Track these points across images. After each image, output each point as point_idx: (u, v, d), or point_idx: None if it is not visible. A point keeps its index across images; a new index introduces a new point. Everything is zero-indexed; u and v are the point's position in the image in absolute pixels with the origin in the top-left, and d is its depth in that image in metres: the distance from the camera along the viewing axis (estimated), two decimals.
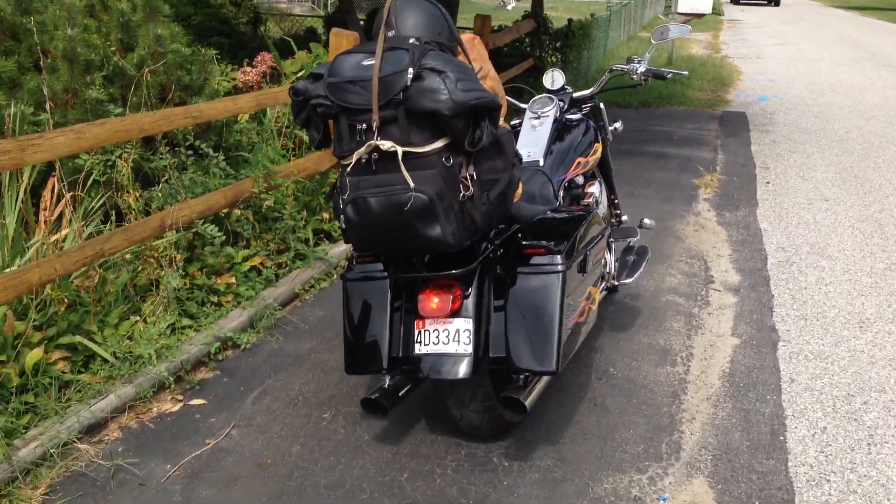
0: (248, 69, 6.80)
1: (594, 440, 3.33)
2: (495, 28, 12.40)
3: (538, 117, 4.01)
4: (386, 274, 3.04)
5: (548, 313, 2.91)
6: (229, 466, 3.14)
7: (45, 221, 3.73)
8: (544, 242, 3.02)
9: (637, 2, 23.46)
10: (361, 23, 12.28)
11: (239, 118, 5.84)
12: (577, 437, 3.34)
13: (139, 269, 4.16)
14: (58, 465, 3.04)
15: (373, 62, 2.59)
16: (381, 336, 3.04)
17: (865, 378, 3.84)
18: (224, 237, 4.38)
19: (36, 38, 4.56)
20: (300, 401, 3.61)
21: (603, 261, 3.92)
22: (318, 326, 4.32)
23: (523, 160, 3.79)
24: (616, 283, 4.14)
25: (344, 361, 3.13)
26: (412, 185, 2.56)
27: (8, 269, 3.49)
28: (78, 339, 3.53)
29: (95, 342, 3.60)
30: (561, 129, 4.00)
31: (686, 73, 4.61)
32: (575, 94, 4.23)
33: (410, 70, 2.52)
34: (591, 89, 4.27)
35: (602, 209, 4.07)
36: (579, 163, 3.92)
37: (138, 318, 3.87)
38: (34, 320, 3.49)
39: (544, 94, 4.14)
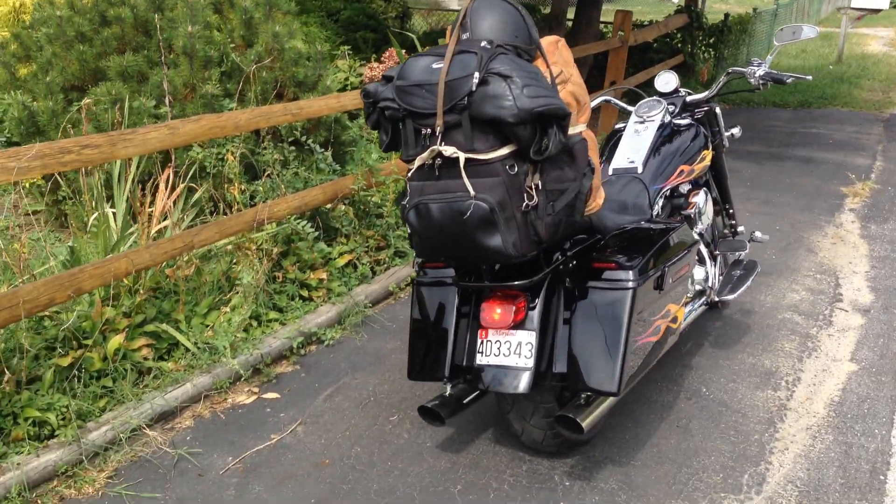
0: (376, 65, 6.84)
1: (669, 465, 3.11)
2: (644, 23, 12.04)
3: (643, 122, 3.79)
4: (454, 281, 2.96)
5: (613, 331, 2.74)
6: (287, 463, 3.14)
7: (142, 212, 3.86)
8: (616, 257, 2.84)
9: None
10: None
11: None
12: (650, 460, 3.13)
13: (235, 261, 4.25)
14: (125, 450, 3.14)
15: (442, 65, 2.51)
16: (444, 343, 2.97)
17: None
18: (318, 233, 4.41)
19: (158, 34, 4.76)
20: (371, 401, 3.58)
21: (691, 276, 3.67)
22: (405, 326, 4.25)
23: (623, 166, 3.60)
24: (717, 299, 3.86)
25: (407, 367, 3.08)
26: (472, 192, 2.46)
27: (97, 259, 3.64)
28: (163, 327, 3.64)
29: (181, 331, 3.70)
30: (667, 135, 3.77)
31: (810, 77, 4.23)
32: (689, 98, 3.97)
33: (476, 74, 2.42)
34: (706, 92, 4.00)
35: (706, 220, 3.80)
36: (682, 171, 3.67)
37: (227, 309, 3.95)
38: (125, 307, 3.62)
39: (653, 98, 3.92)
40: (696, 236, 3.62)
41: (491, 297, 2.84)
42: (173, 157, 4.64)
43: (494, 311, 2.81)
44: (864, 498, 2.91)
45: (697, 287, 3.77)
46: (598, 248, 2.98)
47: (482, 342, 2.89)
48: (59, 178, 4.59)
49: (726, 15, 11.93)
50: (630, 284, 2.74)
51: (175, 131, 3.49)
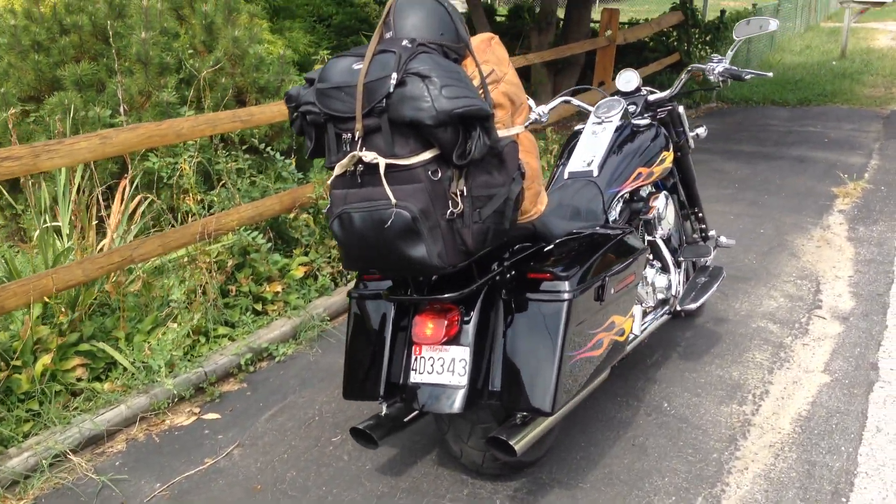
0: None
1: (619, 486, 2.94)
2: (640, 20, 11.87)
3: (601, 122, 3.63)
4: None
5: (547, 347, 2.58)
6: (217, 490, 2.99)
7: (77, 225, 3.73)
8: (553, 266, 2.68)
9: None
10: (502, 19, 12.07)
11: None
12: (600, 483, 2.96)
13: (189, 274, 4.12)
14: (46, 477, 3.00)
15: (361, 66, 2.36)
16: (380, 360, 2.81)
17: None
18: (270, 244, 4.27)
19: (112, 41, 4.64)
20: (315, 421, 3.42)
21: (652, 284, 3.50)
22: None
23: (578, 169, 3.44)
24: (679, 308, 3.69)
25: (342, 385, 2.92)
26: (393, 200, 2.31)
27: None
28: (100, 345, 3.51)
29: (120, 350, 3.56)
30: (626, 136, 3.60)
31: (770, 74, 4.04)
32: (650, 97, 3.80)
33: (394, 75, 2.28)
34: (667, 91, 3.83)
35: (666, 225, 3.63)
36: (640, 173, 3.50)
37: (175, 325, 3.82)
38: (61, 324, 3.49)
39: (612, 97, 3.75)
40: (646, 243, 3.46)
41: (423, 311, 2.69)
42: (129, 167, 4.52)
43: (426, 326, 2.65)
44: None
45: (660, 295, 3.61)
46: (538, 256, 2.82)
47: (416, 359, 2.74)
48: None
49: (722, 11, 11.74)
50: (565, 296, 2.58)
51: (107, 141, 3.36)
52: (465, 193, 2.41)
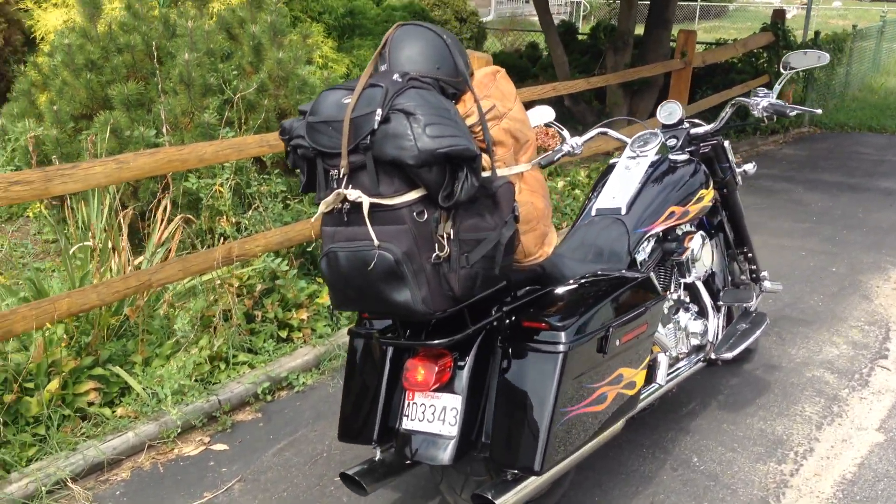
0: None
1: None
2: (719, 41, 11.44)
3: (635, 157, 3.41)
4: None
5: (538, 401, 2.38)
6: None
7: (95, 246, 3.72)
8: (550, 315, 2.48)
9: None
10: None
11: None
12: None
13: (216, 298, 4.07)
14: None
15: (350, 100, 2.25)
16: (376, 402, 2.67)
17: None
18: (295, 270, 4.18)
19: (156, 62, 4.66)
20: (322, 458, 3.30)
21: (682, 329, 3.26)
22: None
23: (606, 206, 3.24)
24: (714, 357, 3.42)
25: (338, 427, 2.79)
26: (376, 241, 2.19)
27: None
28: (116, 369, 3.48)
29: (134, 374, 3.52)
30: (661, 172, 3.37)
31: (819, 111, 3.73)
32: (693, 131, 3.56)
33: (379, 111, 2.15)
34: (711, 125, 3.58)
35: (701, 267, 3.38)
36: (673, 212, 3.25)
37: (196, 350, 3.76)
38: (78, 347, 3.48)
39: (649, 130, 3.52)
40: (681, 286, 3.22)
41: (417, 355, 2.54)
42: (171, 186, 4.53)
43: (418, 372, 2.49)
44: None
45: (694, 341, 3.36)
46: (540, 302, 2.63)
47: (409, 404, 2.59)
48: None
49: (817, 33, 11.16)
50: (560, 348, 2.38)
51: (123, 166, 3.32)
52: (452, 236, 2.26)
